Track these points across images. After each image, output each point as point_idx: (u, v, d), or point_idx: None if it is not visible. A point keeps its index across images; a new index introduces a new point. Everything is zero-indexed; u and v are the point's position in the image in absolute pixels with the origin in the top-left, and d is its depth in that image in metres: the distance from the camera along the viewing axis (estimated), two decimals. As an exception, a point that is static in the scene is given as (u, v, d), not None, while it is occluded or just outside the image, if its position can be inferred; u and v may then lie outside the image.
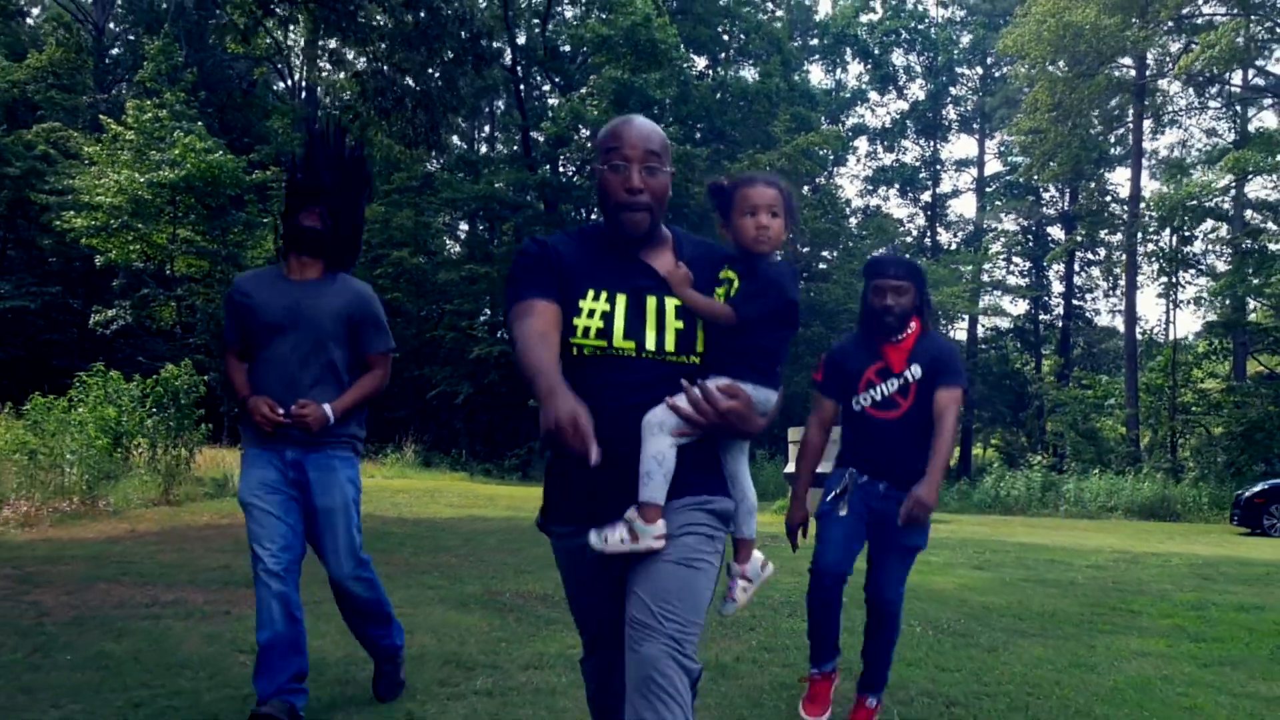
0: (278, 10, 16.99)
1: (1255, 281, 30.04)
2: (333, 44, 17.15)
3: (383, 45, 16.92)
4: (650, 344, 2.90)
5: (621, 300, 2.93)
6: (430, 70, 17.07)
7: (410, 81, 17.19)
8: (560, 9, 38.22)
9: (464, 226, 43.85)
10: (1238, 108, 36.57)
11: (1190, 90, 34.75)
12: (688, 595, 2.76)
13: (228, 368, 4.68)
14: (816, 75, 51.20)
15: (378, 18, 16.84)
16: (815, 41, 49.95)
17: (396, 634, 4.96)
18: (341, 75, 18.84)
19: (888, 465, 4.88)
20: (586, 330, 2.90)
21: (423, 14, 16.05)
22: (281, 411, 4.46)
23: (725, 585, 3.12)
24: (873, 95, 50.79)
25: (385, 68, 17.38)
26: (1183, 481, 26.74)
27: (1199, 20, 32.38)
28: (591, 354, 2.91)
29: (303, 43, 38.73)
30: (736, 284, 2.98)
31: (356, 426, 4.75)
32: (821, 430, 5.10)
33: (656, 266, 3.01)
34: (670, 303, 2.94)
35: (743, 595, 3.12)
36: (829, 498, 4.95)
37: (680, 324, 2.93)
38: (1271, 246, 30.93)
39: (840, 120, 49.83)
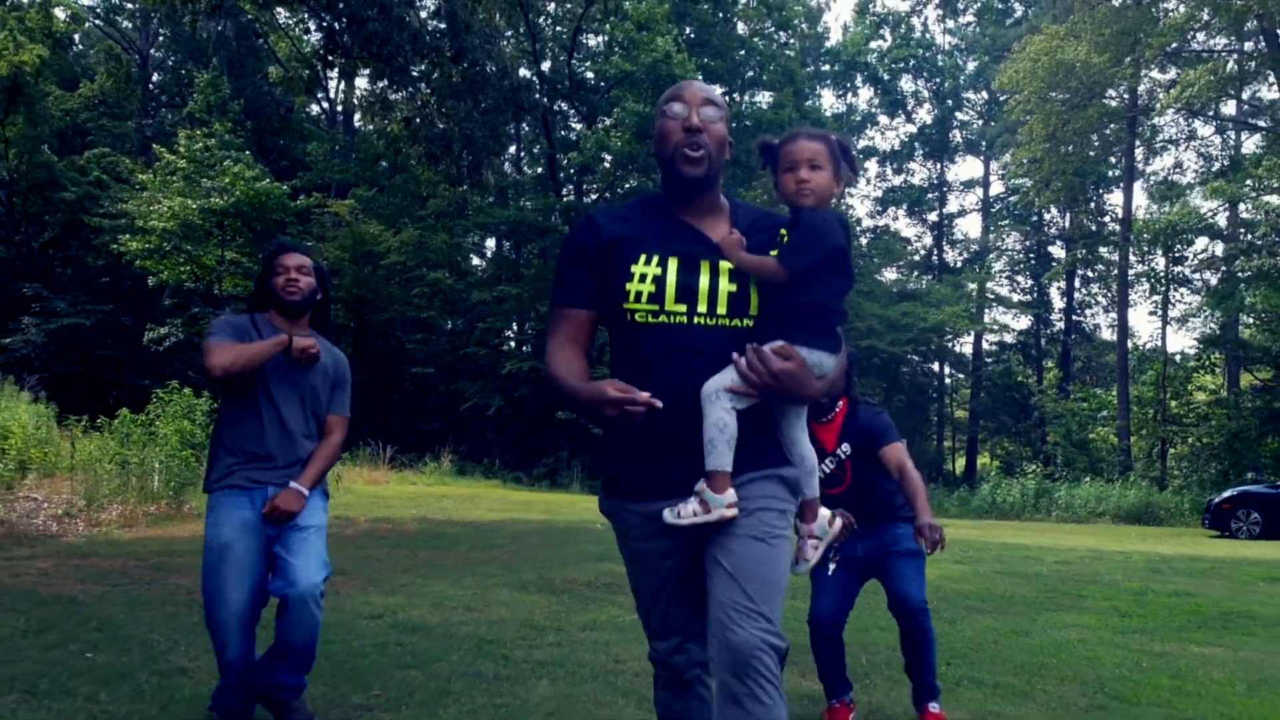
0: (338, 64, 18.54)
1: (1248, 300, 31.40)
2: (381, 85, 18.51)
3: (431, 95, 18.42)
4: (702, 307, 2.91)
5: (673, 263, 2.94)
6: (474, 117, 18.62)
7: (455, 127, 18.72)
8: (584, 38, 39.71)
9: (490, 243, 45.33)
10: (1231, 132, 37.96)
11: (1180, 119, 35.94)
12: (771, 573, 2.79)
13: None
14: (828, 100, 52.47)
15: (426, 69, 18.31)
16: (827, 68, 51.10)
17: (304, 672, 4.61)
18: (388, 122, 20.21)
19: (855, 515, 4.99)
20: (639, 295, 2.92)
21: (467, 67, 17.68)
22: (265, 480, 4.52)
23: (795, 546, 3.11)
24: (882, 119, 51.96)
25: (433, 115, 18.84)
26: (1167, 489, 28.11)
27: (1187, 54, 33.76)
28: (644, 319, 2.93)
29: (346, 84, 40.72)
30: (785, 239, 2.98)
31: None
32: None
33: (711, 234, 3.01)
34: (724, 266, 2.95)
35: (813, 553, 3.16)
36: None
37: (733, 286, 2.94)
38: (1256, 263, 32.15)
39: (852, 141, 51.05)
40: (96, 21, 46.82)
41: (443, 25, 18.68)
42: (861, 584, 5.24)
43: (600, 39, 39.73)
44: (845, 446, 5.11)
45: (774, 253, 2.93)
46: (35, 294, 36.15)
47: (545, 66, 38.05)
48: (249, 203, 31.84)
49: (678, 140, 2.94)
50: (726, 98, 40.28)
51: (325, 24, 17.79)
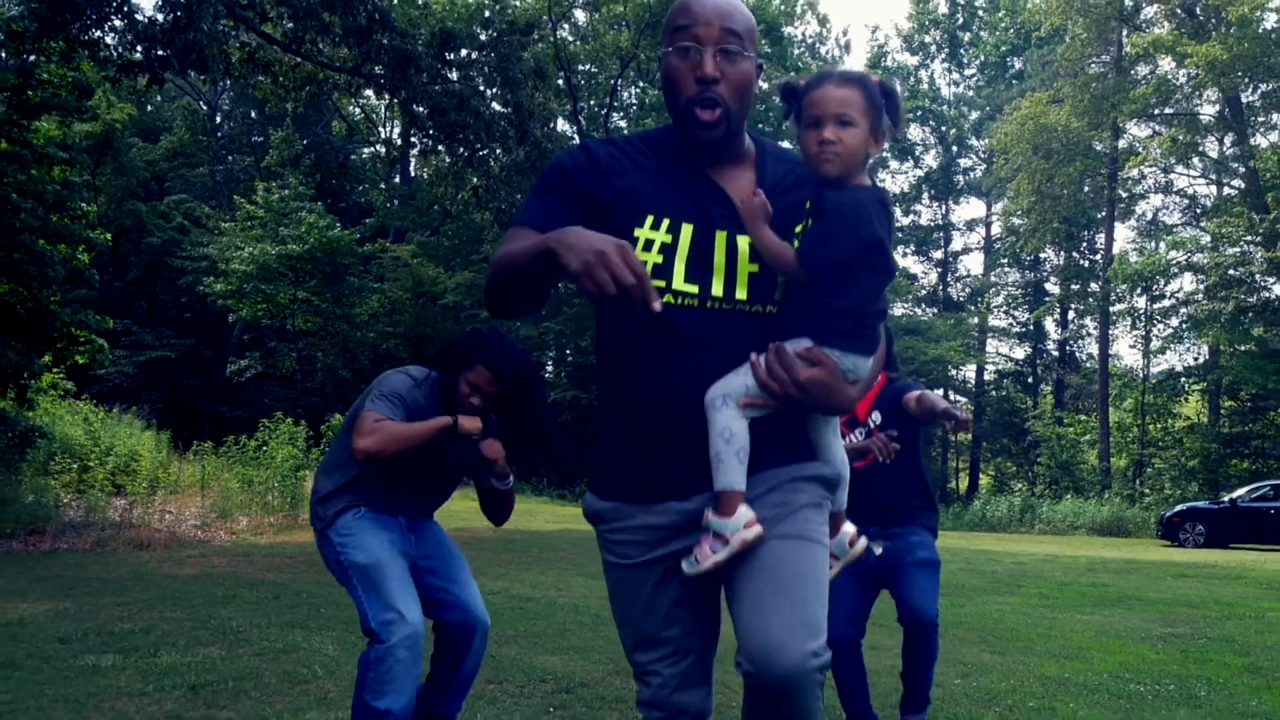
0: (418, 143, 21.27)
1: (1202, 339, 33.95)
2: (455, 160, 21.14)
3: (500, 170, 21.11)
4: (717, 288, 2.31)
5: (687, 232, 2.33)
6: (528, 183, 21.28)
7: (519, 196, 21.39)
8: (621, 93, 42.50)
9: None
10: (1212, 175, 40.33)
11: (1157, 170, 38.35)
12: (813, 580, 2.24)
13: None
14: (843, 145, 55.05)
15: (495, 148, 20.94)
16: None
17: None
18: (460, 191, 22.92)
19: (872, 509, 4.60)
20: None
21: (530, 148, 20.42)
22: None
23: None
24: (892, 163, 54.76)
25: (499, 186, 21.51)
26: (1136, 505, 30.54)
27: (1161, 116, 36.39)
28: None
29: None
30: (809, 222, 2.32)
31: None
32: None
33: (732, 191, 2.37)
34: (744, 240, 2.32)
35: (829, 573, 2.46)
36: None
37: (755, 266, 2.33)
38: (1208, 308, 34.60)
39: (863, 183, 53.84)
40: (175, 79, 49.81)
41: (504, 109, 21.44)
42: (876, 593, 4.86)
43: (634, 90, 42.60)
44: (876, 415, 4.78)
45: (798, 230, 2.33)
46: (125, 329, 38.79)
47: (583, 119, 40.88)
48: (321, 249, 34.60)
49: (689, 94, 2.31)
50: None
51: (409, 111, 20.48)
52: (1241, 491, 24.82)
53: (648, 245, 2.32)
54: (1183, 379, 37.21)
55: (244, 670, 5.87)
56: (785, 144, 2.65)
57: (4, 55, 17.54)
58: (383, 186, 48.02)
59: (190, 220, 42.09)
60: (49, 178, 17.78)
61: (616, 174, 2.41)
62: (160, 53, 12.97)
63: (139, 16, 13.00)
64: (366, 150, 48.97)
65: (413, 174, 46.31)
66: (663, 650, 2.45)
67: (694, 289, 2.32)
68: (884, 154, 51.12)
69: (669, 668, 2.45)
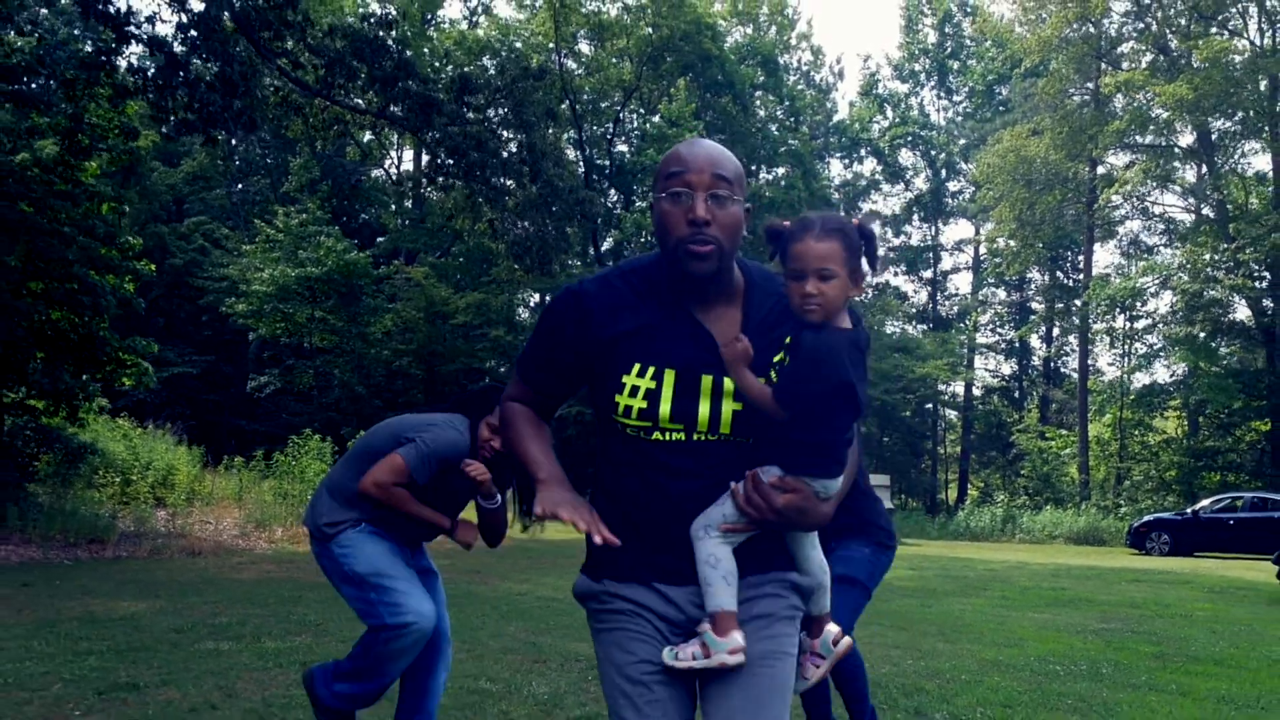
0: (440, 181, 22.63)
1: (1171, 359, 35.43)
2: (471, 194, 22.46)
3: (514, 205, 22.44)
4: (702, 425, 2.41)
5: (670, 377, 2.41)
6: (547, 223, 22.68)
7: (534, 230, 22.74)
8: (625, 122, 44.00)
9: (534, 298, 49.38)
10: (1190, 199, 41.68)
11: (1134, 197, 39.72)
12: (780, 693, 2.43)
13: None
14: (836, 168, 56.76)
15: (509, 183, 22.22)
16: (835, 140, 55.39)
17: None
18: (476, 223, 24.37)
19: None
20: (629, 410, 2.41)
21: (542, 185, 21.78)
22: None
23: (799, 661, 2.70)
24: (884, 186, 56.18)
25: (514, 220, 22.83)
26: (1111, 516, 31.82)
27: (1137, 146, 37.88)
28: (635, 435, 2.44)
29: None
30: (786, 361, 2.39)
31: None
32: None
33: (717, 331, 2.45)
34: (728, 381, 2.40)
35: (815, 672, 2.75)
36: None
37: (739, 405, 2.40)
38: (1176, 331, 36.11)
39: (857, 206, 55.42)
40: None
41: (516, 148, 22.80)
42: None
43: (637, 122, 44.03)
44: None
45: (776, 360, 2.41)
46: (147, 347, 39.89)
47: (587, 146, 42.35)
48: (339, 271, 35.84)
49: (680, 235, 2.36)
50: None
51: (430, 151, 21.84)
52: (1205, 503, 26.14)
53: (634, 391, 2.42)
54: (1158, 396, 38.32)
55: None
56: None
57: (58, 100, 18.75)
58: (393, 209, 49.41)
59: (210, 241, 43.32)
60: (98, 213, 19.03)
61: (607, 323, 2.47)
62: (213, 111, 14.26)
63: (195, 75, 14.24)
64: (377, 172, 50.25)
65: (423, 195, 47.65)
66: (651, 709, 2.44)
67: (679, 427, 2.41)
68: (876, 179, 52.45)
69: None
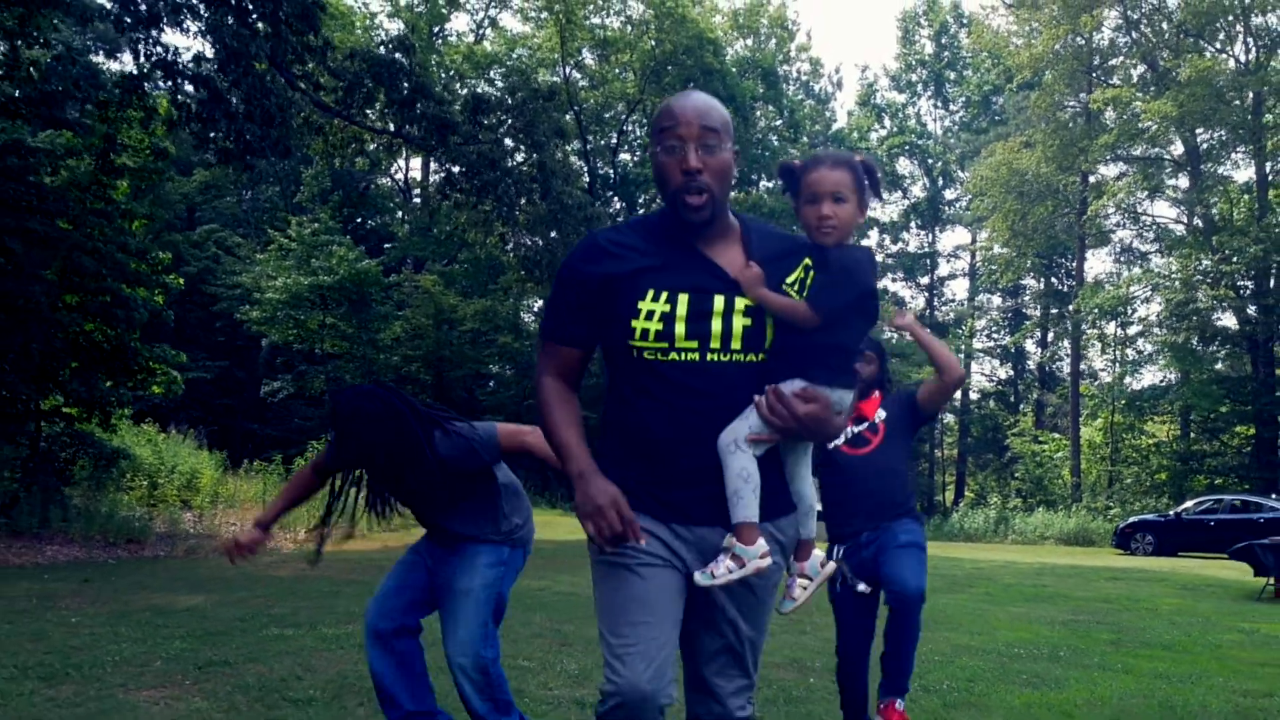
0: (455, 197, 23.58)
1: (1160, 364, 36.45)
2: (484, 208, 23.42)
3: (525, 221, 23.39)
4: (715, 342, 2.62)
5: (683, 299, 2.63)
6: (556, 238, 23.64)
7: (543, 244, 23.69)
8: (628, 141, 45.06)
9: (539, 303, 50.26)
10: (1181, 208, 42.63)
11: (1124, 209, 40.65)
12: (758, 631, 2.82)
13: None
14: (835, 176, 57.46)
15: (522, 202, 23.17)
16: (834, 148, 56.27)
17: None
18: (488, 236, 25.40)
19: (862, 505, 4.89)
20: (645, 332, 2.62)
21: (551, 201, 22.75)
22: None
23: (784, 584, 2.93)
24: (882, 194, 56.96)
25: (524, 235, 23.79)
26: (1101, 518, 32.72)
27: (1127, 157, 38.91)
28: (653, 357, 2.64)
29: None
30: (811, 276, 2.68)
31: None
32: None
33: (724, 264, 2.70)
34: (739, 301, 2.64)
35: (802, 593, 2.92)
36: (836, 585, 4.98)
37: (748, 321, 2.64)
38: (1163, 338, 37.17)
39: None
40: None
41: (527, 166, 23.77)
42: (879, 599, 5.05)
43: (640, 132, 44.94)
44: (882, 412, 5.02)
45: (791, 282, 2.67)
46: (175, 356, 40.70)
47: (593, 157, 43.38)
48: (350, 279, 36.77)
49: (677, 184, 2.63)
50: (743, 192, 45.26)
51: (444, 168, 22.79)
52: (1188, 504, 27.11)
53: (649, 315, 2.62)
54: (1149, 400, 39.08)
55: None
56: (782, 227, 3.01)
57: (92, 121, 19.65)
58: (400, 216, 50.38)
59: (222, 249, 44.25)
60: (130, 230, 19.95)
61: (620, 259, 2.70)
62: (251, 141, 15.25)
63: (235, 108, 15.23)
64: (384, 180, 51.20)
65: (432, 207, 48.56)
66: (640, 631, 2.60)
67: (694, 344, 2.62)
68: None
69: (642, 651, 2.57)
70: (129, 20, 14.24)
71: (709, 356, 2.64)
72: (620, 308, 2.67)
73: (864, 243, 54.45)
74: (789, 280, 2.68)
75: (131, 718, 5.36)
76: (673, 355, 2.64)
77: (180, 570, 13.69)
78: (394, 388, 4.23)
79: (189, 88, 15.73)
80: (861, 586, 4.93)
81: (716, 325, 2.63)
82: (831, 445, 4.83)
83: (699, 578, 2.60)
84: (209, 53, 15.04)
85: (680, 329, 2.62)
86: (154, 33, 14.67)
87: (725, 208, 2.74)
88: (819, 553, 2.94)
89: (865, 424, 4.97)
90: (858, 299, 2.65)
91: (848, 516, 4.92)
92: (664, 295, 2.64)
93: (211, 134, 15.49)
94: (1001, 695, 6.62)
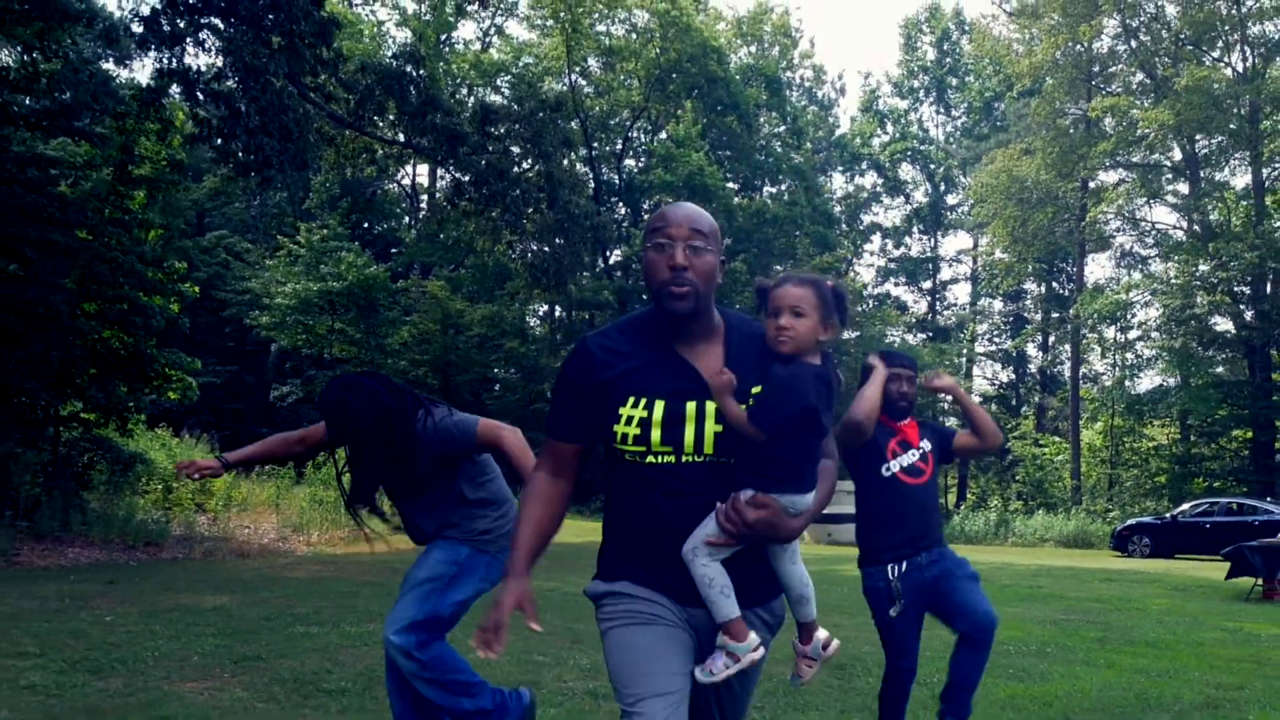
0: (464, 205, 24.01)
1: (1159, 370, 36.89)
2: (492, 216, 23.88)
3: (533, 230, 23.83)
4: (689, 448, 2.74)
5: (660, 406, 2.75)
6: (563, 246, 24.08)
7: (550, 252, 24.13)
8: (633, 147, 45.53)
9: (543, 308, 50.67)
10: (1180, 213, 43.07)
11: (1124, 215, 41.07)
12: (744, 699, 3.00)
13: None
14: (838, 181, 58.52)
15: (530, 211, 23.60)
16: (837, 154, 56.87)
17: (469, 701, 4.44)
18: (496, 244, 25.89)
19: (923, 529, 5.07)
20: (625, 437, 2.76)
21: (558, 211, 23.19)
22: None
23: (793, 662, 3.10)
24: (885, 198, 57.62)
25: (531, 243, 24.23)
26: (1100, 520, 33.10)
27: (1126, 164, 39.35)
28: (633, 459, 2.78)
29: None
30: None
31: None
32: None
33: (701, 366, 2.80)
34: (710, 406, 2.74)
35: (808, 672, 3.07)
36: (889, 607, 5.02)
37: (719, 427, 2.73)
38: (1161, 344, 37.63)
39: (858, 218, 57.02)
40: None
41: (534, 175, 24.21)
42: (921, 625, 5.18)
43: (645, 139, 45.52)
44: (926, 443, 5.15)
45: (755, 392, 2.73)
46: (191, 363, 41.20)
47: (598, 164, 43.83)
48: (359, 285, 37.16)
49: (662, 278, 2.74)
50: (746, 198, 45.85)
51: (454, 179, 23.23)
52: (1185, 507, 27.52)
53: (629, 420, 2.75)
54: (1148, 404, 39.37)
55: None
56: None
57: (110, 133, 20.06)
58: (407, 221, 50.85)
59: (231, 255, 44.70)
60: (146, 239, 20.35)
61: (608, 366, 2.83)
62: (269, 155, 15.70)
63: (254, 124, 15.68)
64: (391, 185, 51.69)
65: (440, 217, 48.98)
66: (652, 685, 2.69)
67: (669, 449, 2.74)
68: (878, 192, 53.67)
69: (659, 704, 2.66)
70: (153, 40, 14.62)
71: (684, 459, 2.76)
72: (607, 413, 2.81)
73: (863, 259, 54.44)
74: (754, 390, 2.75)
75: (180, 706, 5.78)
76: (650, 458, 2.77)
77: (200, 572, 14.10)
78: (379, 374, 4.46)
79: (207, 102, 16.12)
80: (899, 605, 4.95)
81: (690, 432, 2.75)
82: (889, 472, 4.98)
83: (699, 675, 2.75)
84: (227, 69, 15.42)
85: (656, 435, 2.75)
86: (176, 50, 15.05)
87: (709, 307, 2.84)
88: (821, 634, 3.06)
89: (917, 454, 5.08)
90: (797, 415, 2.69)
91: (901, 539, 4.99)
92: (643, 401, 2.77)
93: (231, 148, 15.86)
94: (989, 688, 7.01)
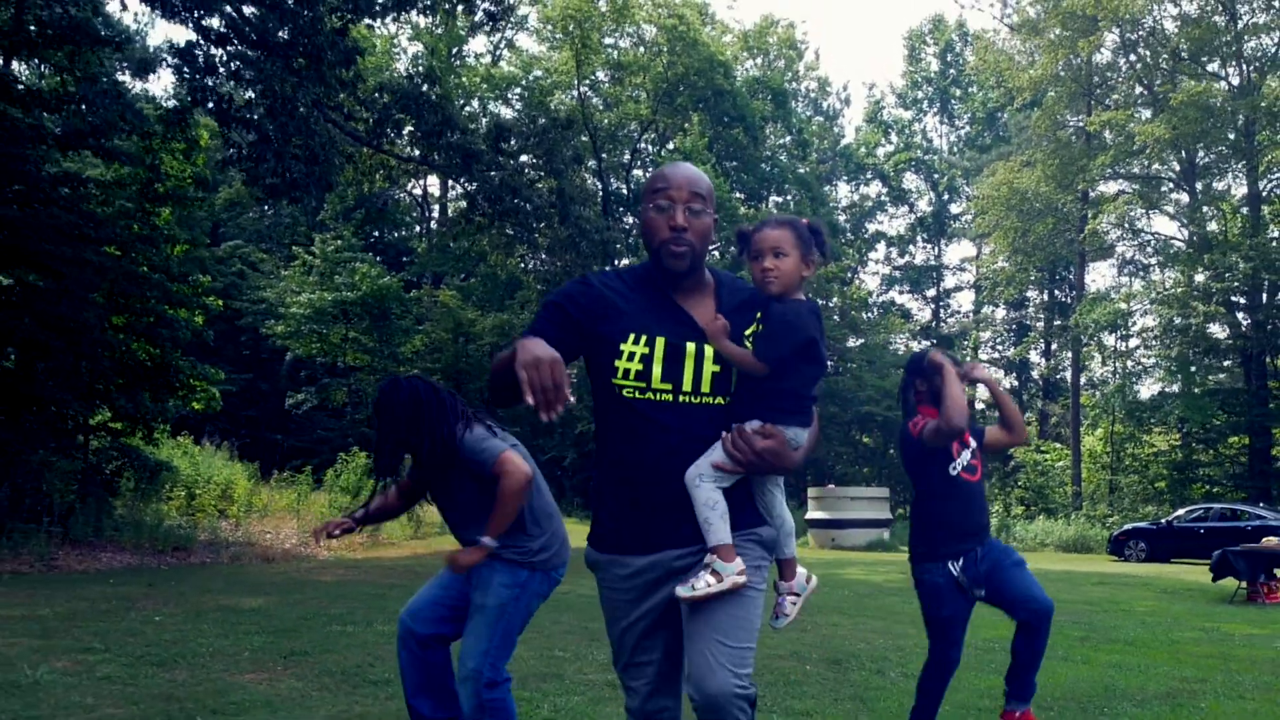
0: (477, 219, 24.65)
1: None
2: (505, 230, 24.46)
3: (545, 244, 24.50)
4: (687, 386, 2.87)
5: (660, 344, 2.89)
6: (575, 261, 24.73)
7: (558, 264, 24.77)
8: (641, 159, 46.22)
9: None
10: (1180, 221, 43.62)
11: (1123, 223, 41.64)
12: (744, 625, 2.82)
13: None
14: (843, 190, 59.27)
15: (542, 226, 24.25)
16: (842, 164, 57.48)
17: None
18: (509, 258, 26.57)
19: (981, 525, 5.27)
20: (626, 372, 2.87)
21: (571, 226, 23.84)
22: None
23: (774, 602, 3.17)
24: (889, 208, 58.24)
25: (542, 256, 24.87)
26: (1099, 525, 33.63)
27: (1126, 174, 39.97)
28: (632, 395, 2.88)
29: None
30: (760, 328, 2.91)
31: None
32: None
33: (696, 314, 2.96)
34: (708, 348, 2.89)
35: (791, 609, 3.13)
36: (946, 604, 5.24)
37: (717, 368, 2.89)
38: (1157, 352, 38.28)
39: (863, 226, 57.67)
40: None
41: (547, 191, 24.85)
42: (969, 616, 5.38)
43: (653, 150, 46.16)
44: (973, 442, 5.25)
45: (749, 340, 2.90)
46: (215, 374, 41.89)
47: (607, 175, 44.46)
48: (372, 295, 37.84)
49: (663, 237, 2.90)
50: (751, 207, 46.25)
51: (467, 193, 23.89)
52: (1180, 512, 28.04)
53: (630, 356, 2.87)
54: (1148, 411, 39.77)
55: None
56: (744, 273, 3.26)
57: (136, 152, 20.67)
58: (418, 230, 51.57)
59: (246, 265, 45.40)
60: (172, 254, 21.01)
61: (609, 302, 2.95)
62: (297, 178, 16.40)
63: (282, 149, 16.38)
64: (402, 195, 52.32)
65: (452, 232, 49.66)
66: (641, 666, 3.07)
67: (668, 386, 2.87)
68: (882, 201, 54.19)
69: (645, 680, 3.06)
70: (187, 71, 15.32)
71: (681, 398, 2.89)
72: (606, 344, 2.93)
73: (868, 267, 54.98)
74: (747, 332, 2.93)
75: (245, 694, 6.45)
76: (649, 394, 2.89)
77: (231, 576, 14.74)
78: (426, 379, 4.77)
79: (237, 128, 16.81)
80: (980, 592, 5.18)
81: (688, 371, 2.89)
82: (954, 471, 5.12)
83: (680, 590, 2.80)
84: (257, 96, 16.12)
85: (657, 370, 2.87)
86: (210, 81, 15.75)
87: (702, 265, 3.02)
88: (803, 570, 3.17)
89: (969, 452, 5.21)
90: (800, 347, 2.85)
91: (965, 535, 5.18)
92: (644, 338, 2.90)
93: (260, 171, 16.55)
94: (970, 680, 7.66)
